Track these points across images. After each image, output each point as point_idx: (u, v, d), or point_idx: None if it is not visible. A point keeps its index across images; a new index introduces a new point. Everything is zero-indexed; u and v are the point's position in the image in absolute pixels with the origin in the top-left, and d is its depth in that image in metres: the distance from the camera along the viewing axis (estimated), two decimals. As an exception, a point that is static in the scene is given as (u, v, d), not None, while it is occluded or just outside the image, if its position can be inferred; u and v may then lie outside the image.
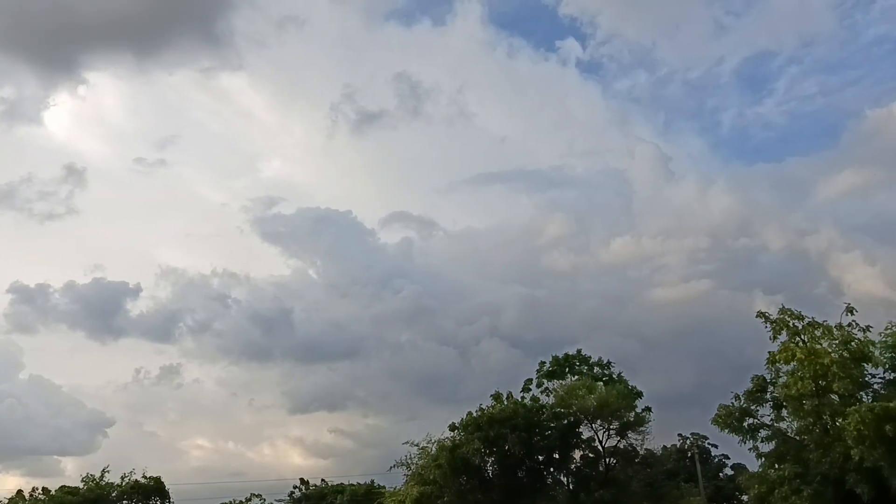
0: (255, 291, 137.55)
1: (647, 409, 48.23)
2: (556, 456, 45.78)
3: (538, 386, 50.33)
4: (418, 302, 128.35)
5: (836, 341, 36.45)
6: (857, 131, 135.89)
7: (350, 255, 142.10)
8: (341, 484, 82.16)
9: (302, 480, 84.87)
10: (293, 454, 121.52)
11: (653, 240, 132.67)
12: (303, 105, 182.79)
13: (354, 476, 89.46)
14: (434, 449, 46.07)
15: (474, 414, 45.73)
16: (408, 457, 47.97)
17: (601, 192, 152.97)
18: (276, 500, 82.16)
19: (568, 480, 46.85)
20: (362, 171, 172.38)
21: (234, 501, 79.18)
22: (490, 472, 45.42)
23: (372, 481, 79.26)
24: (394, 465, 48.67)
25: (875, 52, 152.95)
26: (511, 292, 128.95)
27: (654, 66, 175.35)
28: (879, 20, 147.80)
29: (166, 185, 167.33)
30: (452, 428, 46.20)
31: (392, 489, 56.15)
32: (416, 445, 47.57)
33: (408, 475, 47.80)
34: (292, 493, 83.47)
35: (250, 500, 79.87)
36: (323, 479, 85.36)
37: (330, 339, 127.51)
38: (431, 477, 44.34)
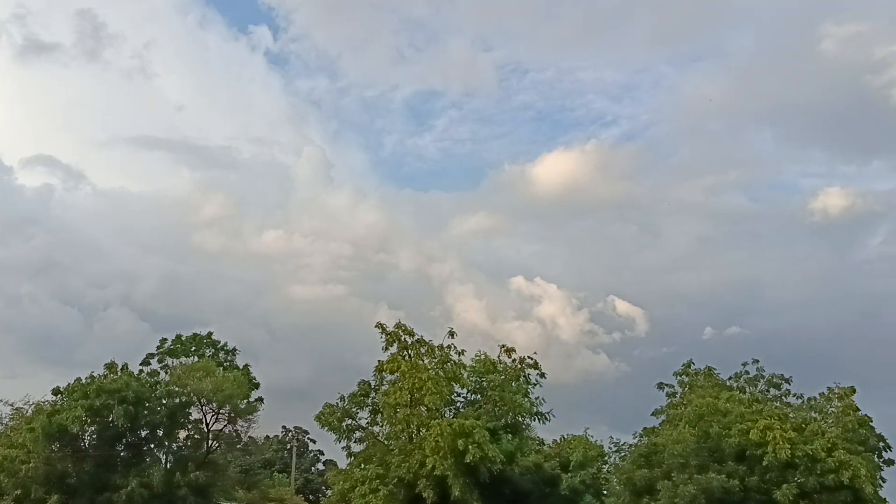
0: None
1: (260, 399, 50.10)
2: (161, 433, 45.67)
3: (159, 361, 49.74)
4: (49, 255, 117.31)
5: (436, 360, 41.36)
6: (495, 181, 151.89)
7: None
8: None
9: None
10: None
11: (303, 238, 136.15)
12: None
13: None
14: (31, 411, 43.72)
15: (83, 380, 44.17)
16: (-1, 416, 45.11)
17: (264, 181, 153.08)
18: None
19: (167, 459, 46.85)
20: (15, 103, 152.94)
21: None
22: (87, 442, 44.06)
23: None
24: (-21, 424, 45.29)
25: (520, 116, 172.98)
26: (153, 263, 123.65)
27: (336, 75, 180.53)
28: (529, 89, 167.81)
29: None
30: (56, 392, 43.99)
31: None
32: (11, 405, 44.94)
33: (-6, 436, 44.76)
34: None
35: None
36: None
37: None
38: (20, 440, 41.98)
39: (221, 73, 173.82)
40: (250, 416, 48.59)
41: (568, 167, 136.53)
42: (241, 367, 51.22)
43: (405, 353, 41.48)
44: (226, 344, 52.70)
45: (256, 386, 50.32)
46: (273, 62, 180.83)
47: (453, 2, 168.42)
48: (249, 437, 51.67)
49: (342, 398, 42.14)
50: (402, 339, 41.72)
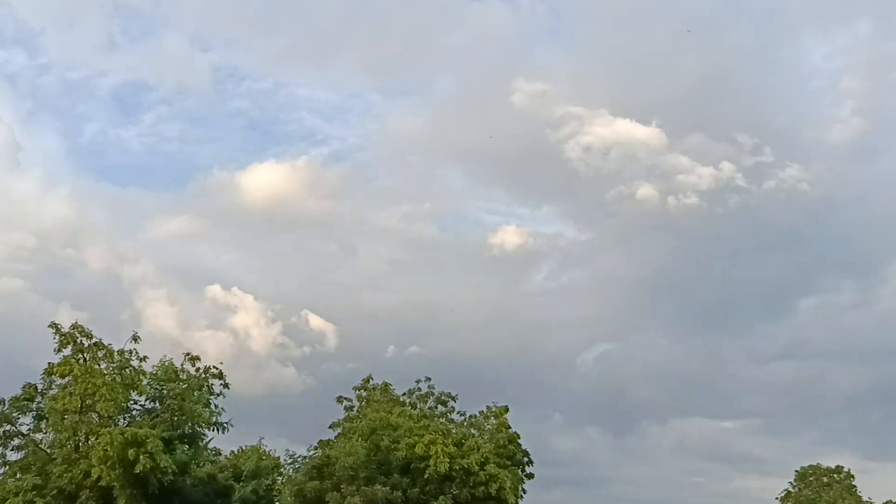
0: None
1: None
2: None
3: None
4: None
5: (114, 365, 39.87)
6: (202, 185, 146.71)
7: None
8: None
9: None
10: None
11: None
12: None
13: None
14: None
15: None
16: None
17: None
18: None
19: None
20: None
21: None
22: None
23: None
24: None
25: (233, 123, 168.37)
26: None
27: (36, 52, 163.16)
28: (244, 96, 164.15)
29: None
30: None
31: None
32: None
33: None
34: None
35: None
36: None
37: None
38: None
39: None
40: None
41: (278, 180, 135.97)
42: None
43: (80, 356, 39.51)
44: None
45: None
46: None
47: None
48: None
49: (2, 402, 39.08)
50: (79, 340, 39.66)
